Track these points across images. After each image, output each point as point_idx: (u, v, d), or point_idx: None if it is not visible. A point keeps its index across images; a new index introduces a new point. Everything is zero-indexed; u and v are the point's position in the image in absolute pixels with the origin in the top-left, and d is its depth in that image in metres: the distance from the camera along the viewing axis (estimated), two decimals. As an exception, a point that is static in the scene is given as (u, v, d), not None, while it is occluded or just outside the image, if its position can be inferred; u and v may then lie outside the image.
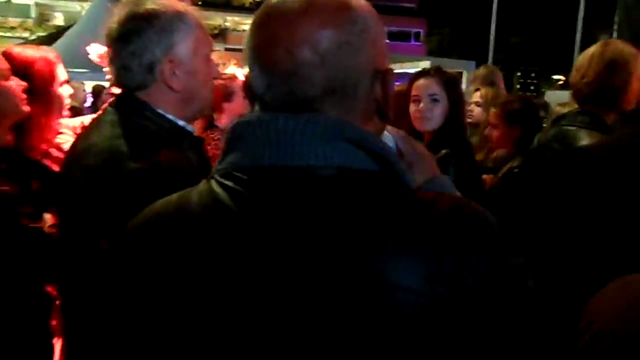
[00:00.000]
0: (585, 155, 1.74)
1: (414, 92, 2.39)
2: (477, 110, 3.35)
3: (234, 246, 0.73)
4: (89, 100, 7.34)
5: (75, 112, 4.66)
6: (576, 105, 2.24)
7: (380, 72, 0.82)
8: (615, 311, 0.92)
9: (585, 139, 2.04)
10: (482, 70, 4.06)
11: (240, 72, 3.71)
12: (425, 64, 7.35)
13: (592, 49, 2.16)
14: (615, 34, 9.32)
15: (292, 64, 0.75)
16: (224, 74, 3.50)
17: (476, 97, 3.45)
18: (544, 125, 3.01)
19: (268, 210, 0.73)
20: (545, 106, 3.14)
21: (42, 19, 33.88)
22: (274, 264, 0.71)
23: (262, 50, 0.77)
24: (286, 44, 0.75)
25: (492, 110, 2.84)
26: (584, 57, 2.16)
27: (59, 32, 14.54)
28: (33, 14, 33.73)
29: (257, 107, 0.82)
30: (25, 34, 27.77)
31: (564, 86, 10.37)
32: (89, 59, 2.03)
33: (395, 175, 0.79)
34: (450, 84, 2.38)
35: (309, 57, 0.75)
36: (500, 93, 3.48)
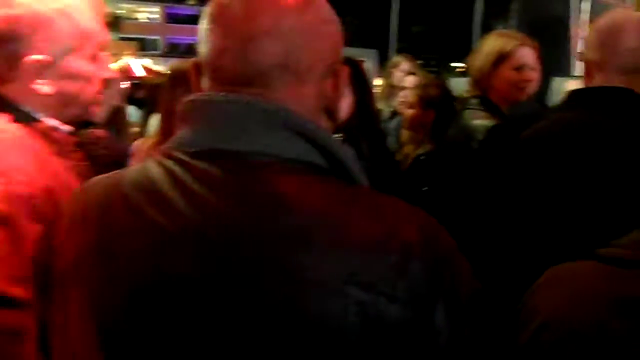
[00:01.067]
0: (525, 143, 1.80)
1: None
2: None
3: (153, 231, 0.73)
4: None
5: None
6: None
7: (335, 69, 0.83)
8: (561, 301, 0.91)
9: (472, 118, 2.25)
10: (398, 59, 4.14)
11: (136, 63, 3.54)
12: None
13: (479, 43, 2.44)
14: (511, 22, 9.82)
15: (251, 29, 0.75)
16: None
17: (410, 82, 3.47)
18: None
19: (201, 194, 0.72)
20: (462, 100, 3.25)
21: None
22: (196, 253, 0.70)
23: (224, 13, 0.77)
24: (248, 11, 0.76)
25: (413, 90, 2.92)
26: (477, 48, 2.42)
27: None
28: None
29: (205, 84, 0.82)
30: None
31: (464, 74, 10.77)
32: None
33: (344, 172, 0.77)
34: (355, 73, 2.37)
35: (270, 26, 0.75)
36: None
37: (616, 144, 1.57)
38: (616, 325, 0.82)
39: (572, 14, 9.44)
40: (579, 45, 9.52)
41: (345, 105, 2.27)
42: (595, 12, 9.40)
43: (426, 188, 2.53)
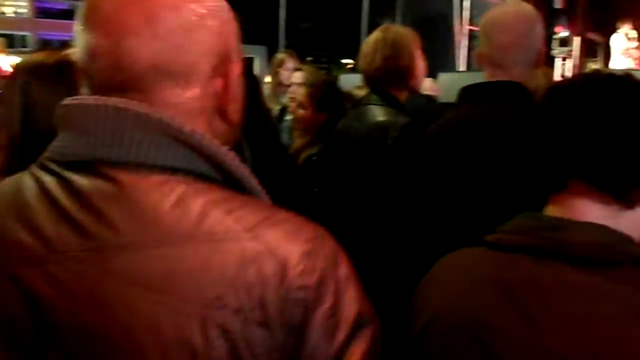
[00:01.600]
0: (427, 139, 1.83)
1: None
2: (300, 91, 3.34)
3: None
4: None
5: None
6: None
7: (225, 64, 0.77)
8: (448, 292, 0.96)
9: (380, 115, 2.21)
10: (282, 56, 4.14)
11: (4, 60, 3.31)
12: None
13: (374, 36, 2.34)
14: (397, 19, 10.17)
15: (122, 30, 0.69)
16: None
17: (297, 77, 3.45)
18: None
19: (71, 210, 0.68)
20: (350, 97, 3.25)
21: None
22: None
23: (94, 13, 0.71)
24: (119, 10, 0.69)
25: (303, 89, 2.84)
26: (368, 44, 2.33)
27: None
28: None
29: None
30: None
31: (354, 70, 11.06)
32: None
33: (233, 181, 0.73)
34: (245, 71, 2.32)
35: (141, 26, 0.69)
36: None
37: (502, 135, 1.63)
38: (499, 307, 0.88)
39: (455, 12, 9.92)
40: (462, 42, 10.02)
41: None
42: (476, 10, 9.93)
43: (317, 189, 2.51)
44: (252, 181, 0.75)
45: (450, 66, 9.70)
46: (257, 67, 7.59)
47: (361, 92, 2.88)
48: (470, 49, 10.13)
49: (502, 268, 0.92)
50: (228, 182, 0.72)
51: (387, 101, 2.26)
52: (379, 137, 2.13)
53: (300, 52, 4.50)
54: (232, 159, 0.73)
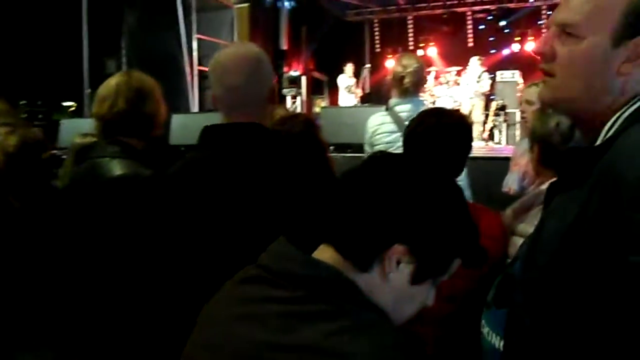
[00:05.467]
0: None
1: None
2: None
3: None
4: None
5: None
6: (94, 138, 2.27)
7: None
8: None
9: (118, 169, 2.09)
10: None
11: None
12: None
13: (115, 80, 2.24)
14: (123, 59, 9.94)
15: None
16: None
17: None
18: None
19: None
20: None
21: None
22: None
23: None
24: None
25: None
26: (109, 88, 2.22)
27: None
28: None
29: None
30: None
31: (77, 113, 10.52)
32: None
33: None
34: None
35: None
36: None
37: (246, 179, 1.66)
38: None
39: (184, 52, 10.02)
40: (194, 82, 10.17)
41: None
42: (204, 50, 10.16)
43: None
44: None
45: (183, 107, 9.76)
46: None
47: (86, 140, 2.72)
48: (202, 89, 10.30)
49: (236, 280, 1.07)
50: None
51: (125, 153, 2.16)
52: (118, 193, 2.02)
53: (13, 95, 4.14)
54: None
